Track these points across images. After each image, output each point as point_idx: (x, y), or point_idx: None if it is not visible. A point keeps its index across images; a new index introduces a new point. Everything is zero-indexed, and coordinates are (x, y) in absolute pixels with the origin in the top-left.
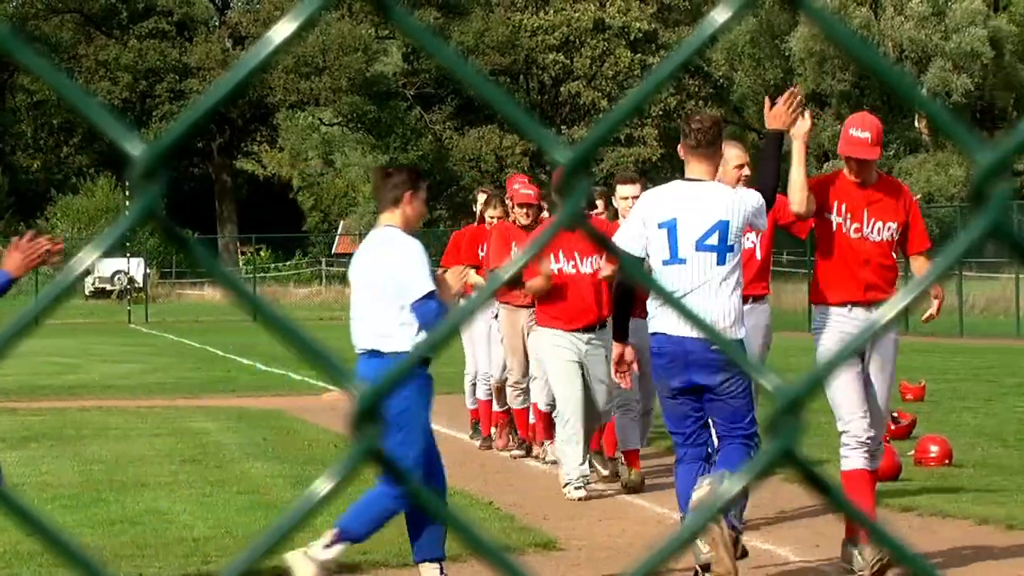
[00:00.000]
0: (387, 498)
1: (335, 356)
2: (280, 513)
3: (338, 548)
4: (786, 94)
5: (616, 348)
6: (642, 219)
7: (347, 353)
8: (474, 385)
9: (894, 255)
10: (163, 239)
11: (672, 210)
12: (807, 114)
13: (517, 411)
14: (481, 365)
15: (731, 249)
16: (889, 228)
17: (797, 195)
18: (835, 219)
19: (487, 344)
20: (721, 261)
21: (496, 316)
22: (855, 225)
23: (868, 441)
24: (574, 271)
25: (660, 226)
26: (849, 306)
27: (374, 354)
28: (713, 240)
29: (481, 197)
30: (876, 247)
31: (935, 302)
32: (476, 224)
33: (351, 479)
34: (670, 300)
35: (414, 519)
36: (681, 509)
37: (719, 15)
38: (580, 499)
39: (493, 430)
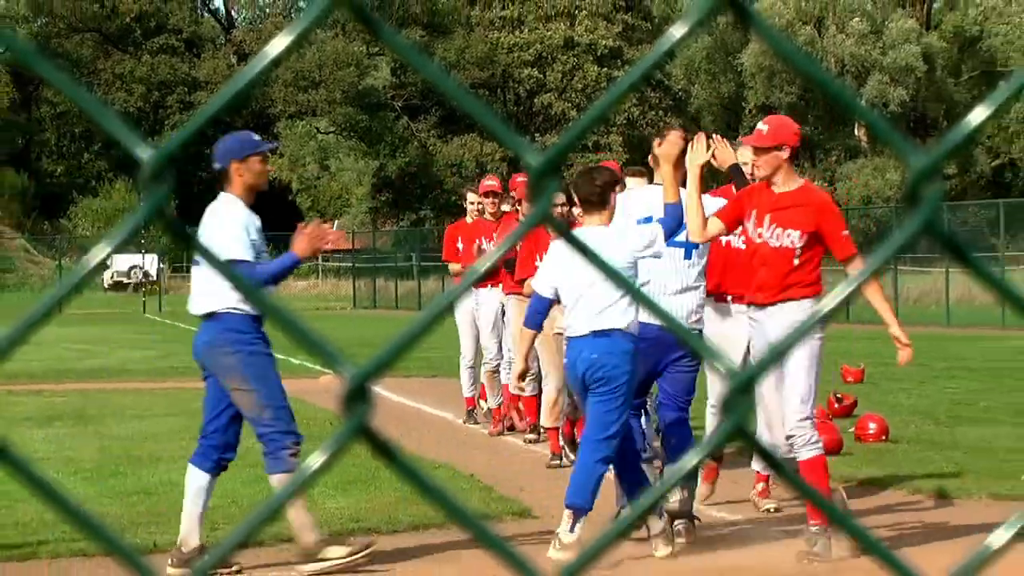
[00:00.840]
0: (594, 464)
1: (330, 343)
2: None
3: (580, 524)
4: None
5: None
6: (624, 215)
7: (341, 341)
8: (471, 369)
9: (796, 262)
10: (170, 237)
11: (648, 209)
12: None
13: (527, 398)
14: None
15: (696, 247)
16: (789, 236)
17: (690, 223)
18: (747, 224)
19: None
20: (687, 256)
21: (503, 311)
22: (759, 230)
23: (779, 448)
24: None
25: (639, 222)
26: (749, 305)
27: (600, 334)
28: (681, 238)
29: (470, 196)
30: (773, 252)
31: (906, 351)
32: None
33: (341, 455)
34: (635, 293)
35: (623, 476)
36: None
37: (676, 30)
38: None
39: (479, 406)
